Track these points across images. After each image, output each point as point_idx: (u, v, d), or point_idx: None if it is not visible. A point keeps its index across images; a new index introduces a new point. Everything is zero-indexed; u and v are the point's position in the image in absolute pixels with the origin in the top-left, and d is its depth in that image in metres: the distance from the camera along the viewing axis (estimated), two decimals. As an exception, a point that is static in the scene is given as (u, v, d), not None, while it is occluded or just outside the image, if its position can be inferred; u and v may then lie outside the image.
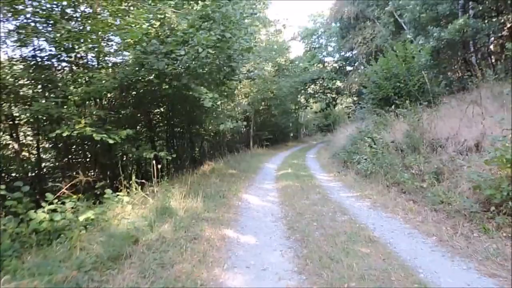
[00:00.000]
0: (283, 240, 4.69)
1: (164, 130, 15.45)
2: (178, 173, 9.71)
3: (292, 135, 37.34)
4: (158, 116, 14.53)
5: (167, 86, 8.11)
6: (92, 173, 8.76)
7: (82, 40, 6.55)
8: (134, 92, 9.19)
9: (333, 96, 37.06)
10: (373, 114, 12.45)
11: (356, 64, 26.07)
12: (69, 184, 5.69)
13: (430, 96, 11.64)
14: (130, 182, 6.45)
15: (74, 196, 5.29)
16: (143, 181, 7.03)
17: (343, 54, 29.23)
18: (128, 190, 6.35)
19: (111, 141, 6.41)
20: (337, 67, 33.15)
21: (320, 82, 33.84)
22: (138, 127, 12.59)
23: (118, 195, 5.66)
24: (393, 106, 11.40)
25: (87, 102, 8.79)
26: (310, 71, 31.21)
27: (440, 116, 8.52)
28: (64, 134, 5.91)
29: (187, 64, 7.33)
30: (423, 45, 12.27)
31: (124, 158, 9.90)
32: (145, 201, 5.99)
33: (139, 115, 9.92)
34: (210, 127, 8.68)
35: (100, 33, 6.65)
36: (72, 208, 5.02)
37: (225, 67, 8.27)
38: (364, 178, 9.21)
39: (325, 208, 6.31)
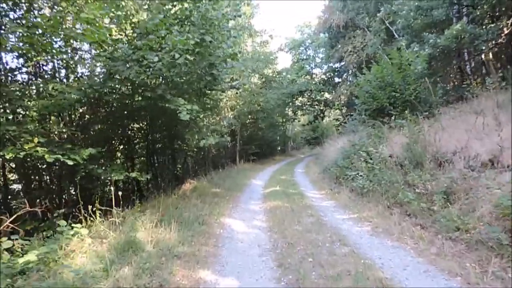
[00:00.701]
0: (272, 284, 3.77)
1: (144, 147, 14.48)
2: (155, 195, 8.71)
3: (279, 148, 36.63)
4: (136, 131, 13.60)
5: (140, 98, 7.20)
6: (56, 199, 7.73)
7: (35, 46, 5.60)
8: (105, 106, 8.24)
9: (321, 108, 36.54)
10: (367, 126, 11.73)
11: (345, 75, 25.58)
12: (14, 216, 4.70)
13: (427, 106, 11.05)
14: (95, 209, 5.49)
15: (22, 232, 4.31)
16: (113, 208, 6.06)
17: (332, 65, 28.78)
18: (91, 219, 5.40)
19: (70, 162, 5.44)
20: (325, 79, 32.71)
21: (308, 94, 33.27)
22: (112, 144, 11.64)
23: (73, 227, 4.67)
24: (391, 117, 10.72)
25: (52, 118, 7.85)
26: (298, 83, 30.62)
27: (442, 128, 7.79)
28: (8, 156, 4.92)
29: (161, 72, 6.45)
30: (419, 52, 11.65)
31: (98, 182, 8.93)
32: (108, 233, 5.01)
33: (110, 131, 8.93)
34: (190, 143, 7.69)
35: (51, 35, 5.72)
36: (13, 246, 4.05)
37: (206, 76, 7.42)
38: (360, 197, 8.38)
39: (321, 236, 5.42)
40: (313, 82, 32.71)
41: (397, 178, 7.23)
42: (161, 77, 6.74)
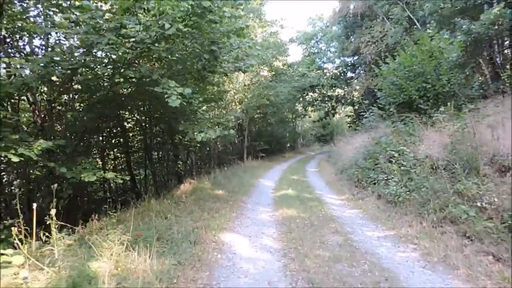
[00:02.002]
0: None
1: (141, 140, 13.12)
2: (146, 198, 7.28)
3: (288, 145, 35.02)
4: (131, 123, 12.26)
5: (121, 80, 5.75)
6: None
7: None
8: (82, 90, 6.79)
9: (333, 104, 34.86)
10: (392, 121, 10.18)
11: (360, 69, 23.84)
12: None
13: (463, 99, 9.48)
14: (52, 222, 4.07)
15: None
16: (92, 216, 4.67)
17: (345, 58, 27.09)
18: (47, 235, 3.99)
19: (15, 159, 4.03)
20: (338, 74, 31.03)
21: (319, 89, 31.60)
22: (89, 137, 10.32)
23: (3, 254, 3.26)
24: (421, 112, 9.17)
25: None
26: (309, 77, 29.00)
27: (503, 124, 6.24)
28: None
29: (146, 46, 4.98)
30: (453, 38, 10.03)
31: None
32: (56, 260, 3.58)
33: (86, 120, 7.44)
34: (188, 136, 6.21)
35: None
36: None
37: (204, 55, 5.94)
38: (392, 206, 6.88)
39: (356, 269, 3.93)
40: (325, 77, 31.05)
41: (445, 186, 5.70)
42: (146, 53, 5.28)
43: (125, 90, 6.44)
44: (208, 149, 17.43)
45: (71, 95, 6.50)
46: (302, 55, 33.33)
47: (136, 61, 5.58)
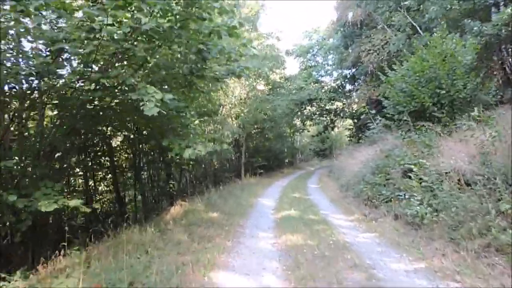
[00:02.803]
0: None
1: (129, 159, 12.17)
2: (127, 226, 6.26)
3: (287, 161, 34.01)
4: (118, 141, 11.33)
5: (91, 87, 4.82)
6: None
7: None
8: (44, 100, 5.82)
9: (331, 118, 34.11)
10: (404, 131, 9.28)
11: (360, 80, 23.08)
12: None
13: (481, 106, 8.62)
14: None
15: None
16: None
17: (343, 71, 26.49)
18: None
19: None
20: (336, 87, 30.40)
21: (317, 102, 30.87)
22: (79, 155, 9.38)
23: None
24: (434, 120, 8.29)
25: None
26: (306, 89, 28.32)
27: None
28: None
29: (117, 43, 4.07)
30: (467, 40, 9.22)
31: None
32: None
33: (50, 136, 6.42)
34: (172, 152, 5.23)
35: None
36: None
37: (191, 55, 5.03)
38: (414, 229, 5.90)
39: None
40: (323, 90, 30.40)
41: (483, 205, 4.73)
42: (121, 55, 4.38)
43: (100, 101, 5.47)
44: (203, 166, 16.43)
45: (36, 107, 5.53)
46: (299, 68, 32.78)
47: (109, 66, 4.66)
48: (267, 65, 19.71)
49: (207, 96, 8.37)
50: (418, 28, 14.11)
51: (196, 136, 5.91)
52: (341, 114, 33.71)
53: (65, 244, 4.41)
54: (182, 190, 13.73)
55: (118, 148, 12.01)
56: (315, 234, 6.24)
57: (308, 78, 30.88)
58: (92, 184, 10.99)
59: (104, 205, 11.40)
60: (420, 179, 6.48)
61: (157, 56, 4.91)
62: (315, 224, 7.14)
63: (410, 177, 7.27)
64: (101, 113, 6.35)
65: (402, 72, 9.95)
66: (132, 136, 10.82)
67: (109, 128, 9.87)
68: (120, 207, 11.11)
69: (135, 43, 4.38)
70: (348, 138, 32.70)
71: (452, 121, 8.59)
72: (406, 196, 6.68)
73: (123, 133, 10.74)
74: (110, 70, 4.78)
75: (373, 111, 12.83)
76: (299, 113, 31.07)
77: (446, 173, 6.36)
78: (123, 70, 4.46)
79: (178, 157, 11.50)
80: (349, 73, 28.31)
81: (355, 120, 27.76)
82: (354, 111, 27.95)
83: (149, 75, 5.12)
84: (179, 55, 5.29)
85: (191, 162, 13.36)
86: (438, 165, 6.71)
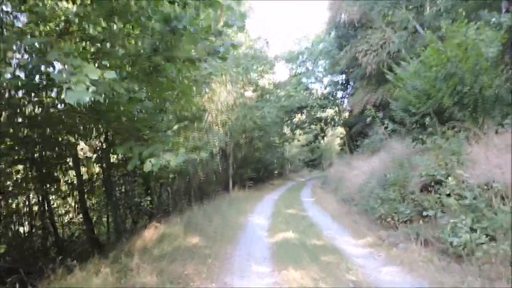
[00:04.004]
0: None
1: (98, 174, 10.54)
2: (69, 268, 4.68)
3: (277, 172, 32.56)
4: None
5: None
6: None
7: None
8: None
9: (322, 126, 32.93)
10: (420, 136, 7.96)
11: (354, 86, 21.89)
12: None
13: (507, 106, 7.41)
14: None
15: None
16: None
17: (335, 76, 25.46)
18: None
19: None
20: (326, 94, 29.34)
21: (308, 110, 29.68)
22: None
23: None
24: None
25: None
26: (296, 97, 27.11)
27: None
28: None
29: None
30: (492, 29, 7.99)
31: None
32: None
33: None
34: (129, 165, 3.73)
35: None
36: None
37: (154, 23, 3.54)
38: (456, 262, 4.48)
39: None
40: (313, 98, 29.26)
41: None
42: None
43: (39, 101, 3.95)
44: (188, 178, 14.77)
45: None
46: (289, 75, 31.65)
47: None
48: (256, 70, 18.47)
49: (187, 97, 6.90)
50: (418, 28, 12.97)
51: (169, 142, 4.39)
52: (332, 123, 32.63)
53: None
54: (160, 207, 12.11)
55: (86, 160, 10.34)
56: (325, 269, 4.76)
57: (298, 85, 29.73)
58: (54, 204, 9.26)
59: (69, 229, 9.69)
60: (457, 194, 5.09)
61: (102, 25, 3.44)
62: (321, 253, 5.67)
63: (436, 192, 5.93)
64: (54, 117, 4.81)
65: (414, 68, 8.63)
66: (100, 145, 9.26)
67: (72, 137, 8.34)
68: (89, 231, 9.45)
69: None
70: (340, 147, 31.53)
71: (475, 124, 7.31)
72: (438, 216, 5.28)
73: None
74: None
75: (369, 118, 11.47)
76: (288, 121, 29.86)
77: (487, 187, 5.02)
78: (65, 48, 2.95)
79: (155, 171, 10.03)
80: (342, 79, 27.33)
81: (347, 128, 26.66)
82: (346, 118, 26.90)
83: (89, 48, 3.61)
84: (138, 31, 3.81)
85: (170, 175, 11.82)
86: (474, 176, 5.37)
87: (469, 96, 7.40)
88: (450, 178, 5.26)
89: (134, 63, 3.82)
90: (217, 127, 16.15)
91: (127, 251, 6.11)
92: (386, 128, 9.43)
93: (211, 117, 15.65)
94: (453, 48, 7.63)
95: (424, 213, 5.59)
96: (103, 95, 2.82)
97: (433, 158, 6.48)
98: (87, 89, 2.42)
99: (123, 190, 11.14)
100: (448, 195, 5.20)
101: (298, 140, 36.22)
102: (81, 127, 6.41)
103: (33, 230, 8.27)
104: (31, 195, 8.41)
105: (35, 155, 7.43)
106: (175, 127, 8.40)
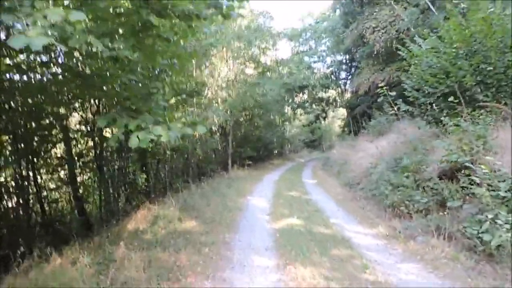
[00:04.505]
0: None
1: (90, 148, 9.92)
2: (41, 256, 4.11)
3: (276, 151, 31.99)
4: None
5: None
6: None
7: None
8: None
9: (323, 107, 32.22)
10: (432, 118, 7.32)
11: (358, 66, 21.04)
12: None
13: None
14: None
15: None
16: None
17: (338, 55, 24.58)
18: None
19: None
20: (330, 73, 28.49)
21: (309, 89, 28.87)
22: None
23: None
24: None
25: None
26: (299, 76, 26.25)
27: None
28: None
29: None
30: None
31: None
32: None
33: None
34: (112, 140, 3.11)
35: None
36: None
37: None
38: (485, 260, 3.93)
39: None
40: (315, 77, 28.41)
41: None
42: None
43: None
44: (186, 156, 14.15)
45: None
46: (291, 53, 30.67)
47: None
48: (259, 46, 17.64)
49: (185, 67, 6.20)
50: (429, 4, 12.09)
51: (162, 114, 3.73)
52: (334, 103, 31.92)
53: None
54: (157, 186, 11.56)
55: (76, 133, 9.65)
56: (337, 265, 4.21)
57: (300, 63, 28.80)
58: (40, 180, 8.64)
59: (57, 207, 9.12)
60: (489, 185, 4.49)
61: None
62: (330, 244, 5.11)
63: (458, 180, 5.34)
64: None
65: (432, 44, 7.88)
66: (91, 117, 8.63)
67: (61, 108, 7.71)
68: (80, 210, 8.91)
69: None
70: (342, 129, 30.88)
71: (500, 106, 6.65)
72: (464, 208, 4.70)
73: (79, 113, 8.55)
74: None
75: (381, 98, 10.72)
76: (290, 100, 29.08)
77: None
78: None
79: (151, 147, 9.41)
80: (346, 59, 26.42)
81: (349, 110, 25.95)
82: (349, 99, 26.16)
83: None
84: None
85: (167, 152, 11.22)
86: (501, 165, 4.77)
87: (493, 75, 6.71)
88: (482, 166, 4.61)
89: (119, 16, 3.13)
90: (216, 103, 15.44)
91: (116, 234, 5.56)
92: (398, 109, 8.72)
93: (211, 93, 14.93)
94: (477, 23, 6.89)
95: (449, 204, 4.99)
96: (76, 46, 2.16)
97: (455, 142, 5.84)
98: (42, 30, 1.77)
99: (116, 167, 10.52)
100: (478, 184, 4.58)
101: (300, 120, 35.55)
102: (66, 96, 5.69)
103: (19, 208, 7.72)
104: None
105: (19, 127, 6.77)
106: (173, 100, 7.73)
